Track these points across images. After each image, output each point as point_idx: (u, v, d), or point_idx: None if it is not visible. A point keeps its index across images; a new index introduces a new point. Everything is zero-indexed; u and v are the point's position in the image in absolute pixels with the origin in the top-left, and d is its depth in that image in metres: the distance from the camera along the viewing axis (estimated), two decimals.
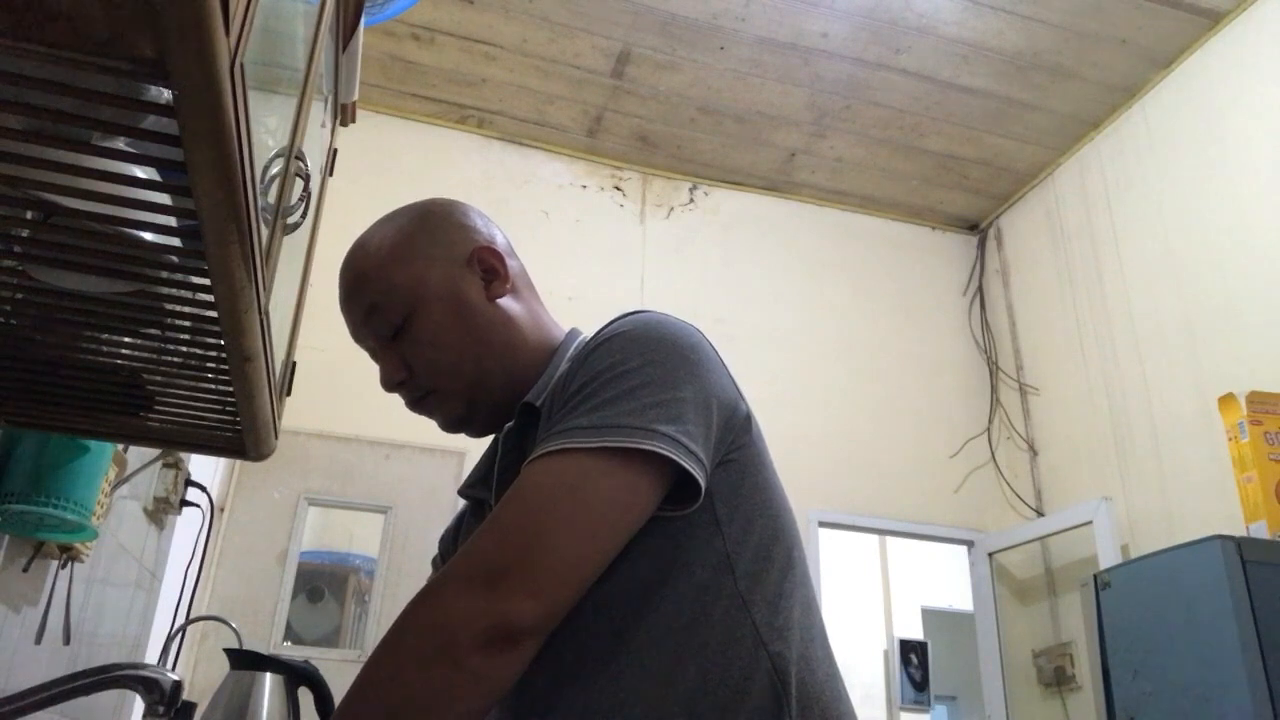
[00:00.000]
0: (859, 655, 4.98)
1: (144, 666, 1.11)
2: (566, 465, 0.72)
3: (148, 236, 0.62)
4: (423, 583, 1.05)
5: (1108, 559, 3.10)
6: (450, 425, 0.94)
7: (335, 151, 1.29)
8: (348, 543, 3.39)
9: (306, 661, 1.48)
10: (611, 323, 0.84)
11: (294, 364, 1.10)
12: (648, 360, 0.77)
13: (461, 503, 1.02)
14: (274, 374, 0.88)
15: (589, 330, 0.92)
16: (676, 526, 0.77)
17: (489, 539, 0.71)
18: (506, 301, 0.93)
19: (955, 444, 3.96)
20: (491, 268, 0.93)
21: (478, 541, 0.71)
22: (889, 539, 4.86)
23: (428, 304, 0.89)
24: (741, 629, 0.76)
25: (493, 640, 0.66)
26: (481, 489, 0.94)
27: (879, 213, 4.34)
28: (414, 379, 0.91)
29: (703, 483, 0.74)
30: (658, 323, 0.82)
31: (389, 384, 0.92)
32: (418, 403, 0.93)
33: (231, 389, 0.82)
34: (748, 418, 0.83)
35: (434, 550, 1.05)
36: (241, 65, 0.45)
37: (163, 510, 1.80)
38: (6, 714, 0.98)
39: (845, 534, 3.95)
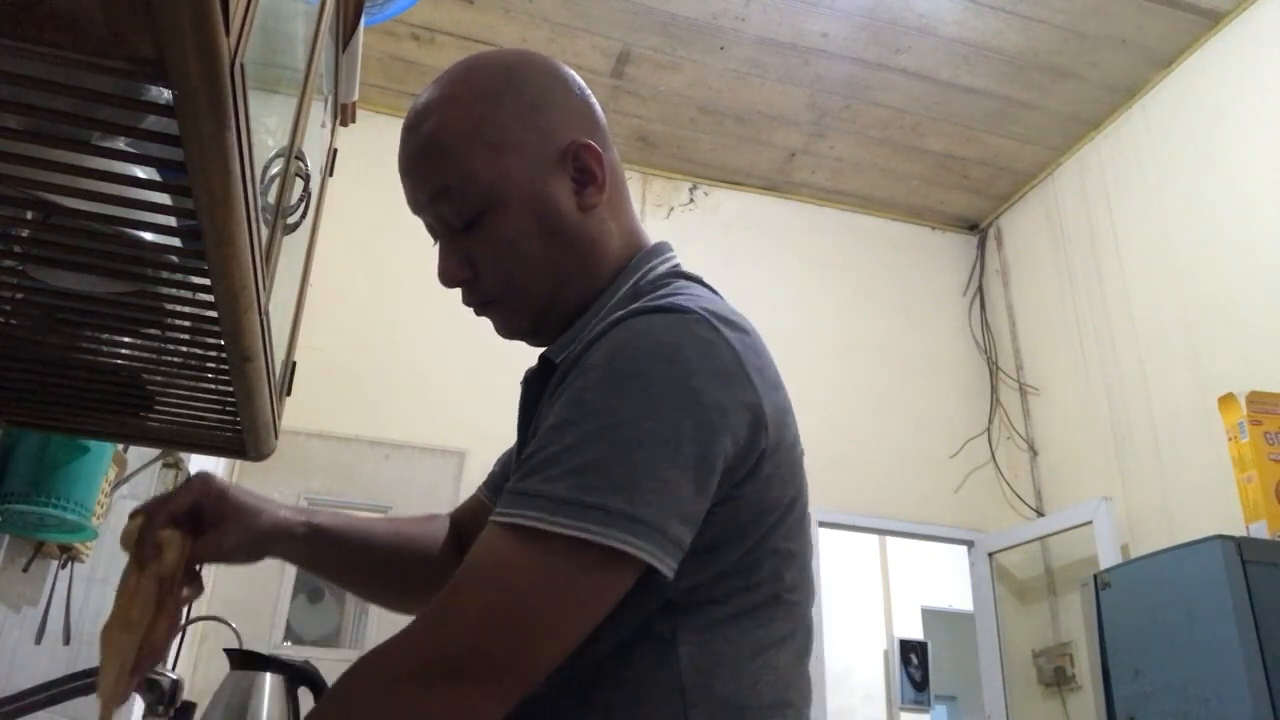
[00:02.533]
0: (859, 655, 4.98)
1: None
2: (543, 555, 0.63)
3: (148, 236, 0.62)
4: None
5: (1108, 559, 3.10)
6: (510, 335, 0.85)
7: (335, 151, 1.29)
8: None
9: (306, 661, 1.48)
10: (628, 313, 0.71)
11: (294, 364, 1.10)
12: (647, 407, 0.65)
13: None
14: (274, 374, 0.88)
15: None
16: None
17: (459, 629, 0.63)
18: (598, 213, 0.81)
19: (955, 444, 3.96)
20: (587, 168, 0.80)
21: (445, 626, 0.63)
22: (889, 539, 4.86)
23: (509, 204, 0.77)
24: (663, 672, 0.69)
25: None
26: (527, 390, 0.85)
27: (879, 213, 4.34)
28: (479, 283, 0.81)
29: (674, 572, 0.66)
30: (668, 344, 0.68)
31: (449, 282, 0.81)
32: (480, 307, 0.83)
33: (231, 389, 0.82)
34: (762, 453, 0.71)
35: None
36: (241, 65, 0.45)
37: None
38: (6, 714, 0.98)
39: (845, 534, 3.95)
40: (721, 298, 0.84)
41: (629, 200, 0.87)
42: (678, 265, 0.86)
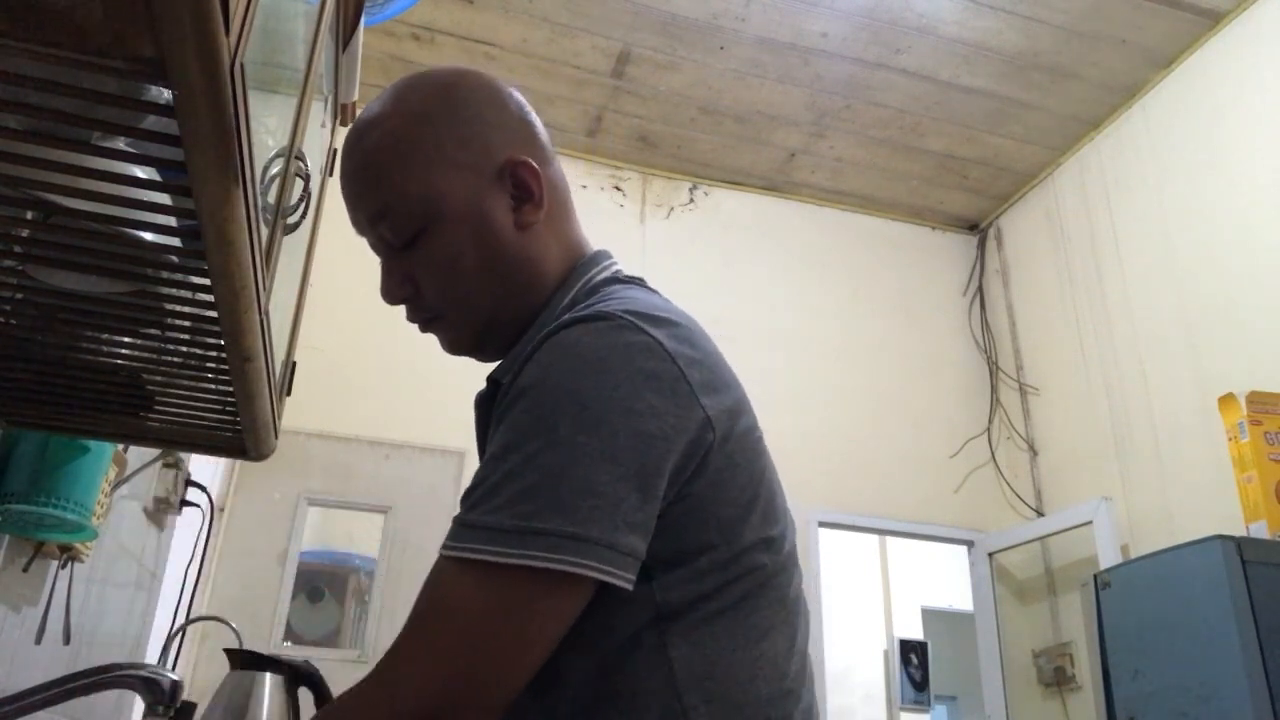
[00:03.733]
0: (859, 655, 4.98)
1: (144, 666, 1.11)
2: (493, 587, 0.64)
3: (148, 236, 0.62)
4: (417, 587, 1.04)
5: (1108, 559, 3.10)
6: (455, 350, 0.86)
7: (335, 151, 1.29)
8: (348, 543, 3.39)
9: (306, 661, 1.48)
10: (553, 331, 0.71)
11: (294, 364, 1.10)
12: (580, 422, 0.65)
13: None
14: (274, 374, 0.88)
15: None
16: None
17: (421, 671, 0.63)
18: (537, 230, 0.81)
19: (955, 444, 3.96)
20: (525, 185, 0.80)
21: (407, 670, 0.64)
22: (889, 539, 4.86)
23: (445, 222, 0.78)
24: (654, 677, 0.68)
25: None
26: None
27: (879, 213, 4.34)
28: (421, 300, 0.82)
29: (632, 583, 0.66)
30: (596, 356, 0.67)
31: (391, 300, 0.83)
32: (425, 323, 0.85)
33: (231, 389, 0.82)
34: (710, 448, 0.70)
35: (434, 551, 1.04)
36: (241, 65, 0.45)
37: (163, 510, 1.80)
38: (6, 714, 0.98)
39: (845, 534, 3.95)
40: (658, 296, 0.84)
41: (572, 212, 0.87)
42: (617, 272, 0.87)
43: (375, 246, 0.83)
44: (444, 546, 0.67)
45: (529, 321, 0.81)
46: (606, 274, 0.85)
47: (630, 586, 0.65)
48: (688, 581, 0.69)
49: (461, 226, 0.79)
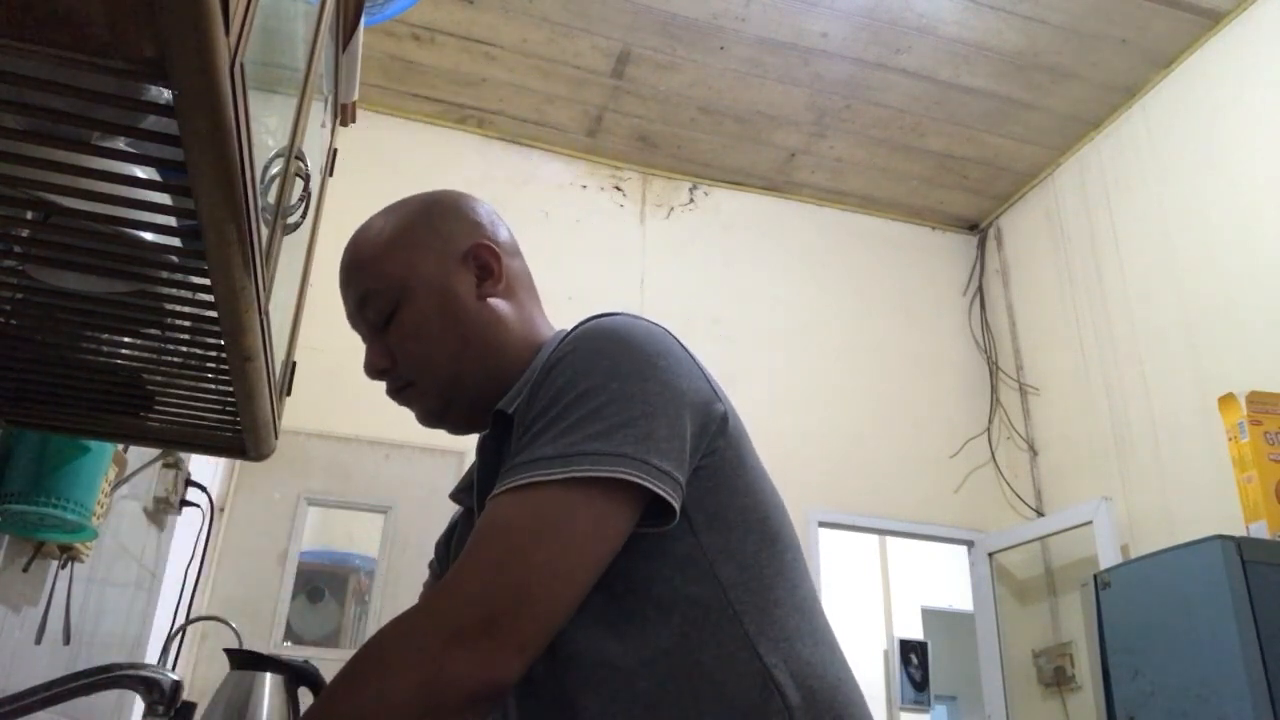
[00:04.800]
0: (859, 655, 4.98)
1: (144, 666, 1.11)
2: (539, 501, 0.70)
3: (148, 236, 0.62)
4: (420, 586, 1.05)
5: (1108, 559, 3.10)
6: (427, 419, 0.93)
7: (335, 151, 1.29)
8: (348, 543, 3.39)
9: (306, 661, 1.48)
10: (577, 327, 0.82)
11: (294, 364, 1.10)
12: (612, 374, 0.74)
13: (455, 507, 1.01)
14: (274, 374, 0.88)
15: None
16: (651, 542, 0.74)
17: (471, 585, 0.68)
18: (496, 301, 0.91)
19: (955, 444, 3.96)
20: (486, 265, 0.91)
21: (458, 586, 0.68)
22: (889, 539, 4.86)
23: (415, 295, 0.88)
24: (735, 644, 0.73)
25: (479, 697, 0.65)
26: (469, 497, 0.92)
27: (879, 213, 4.34)
28: (396, 370, 0.90)
29: (677, 502, 0.72)
30: (621, 329, 0.79)
31: (372, 372, 0.92)
32: (398, 393, 0.92)
33: (231, 389, 0.82)
34: (724, 418, 0.80)
35: (433, 551, 1.05)
36: (241, 65, 0.45)
37: (163, 510, 1.80)
38: (6, 714, 0.98)
39: (845, 534, 3.95)
40: None
41: (537, 302, 0.97)
42: None
43: (364, 335, 0.93)
44: (492, 493, 0.73)
45: (495, 389, 0.87)
46: None
47: (673, 501, 0.72)
48: (734, 540, 0.77)
49: (429, 298, 0.89)
